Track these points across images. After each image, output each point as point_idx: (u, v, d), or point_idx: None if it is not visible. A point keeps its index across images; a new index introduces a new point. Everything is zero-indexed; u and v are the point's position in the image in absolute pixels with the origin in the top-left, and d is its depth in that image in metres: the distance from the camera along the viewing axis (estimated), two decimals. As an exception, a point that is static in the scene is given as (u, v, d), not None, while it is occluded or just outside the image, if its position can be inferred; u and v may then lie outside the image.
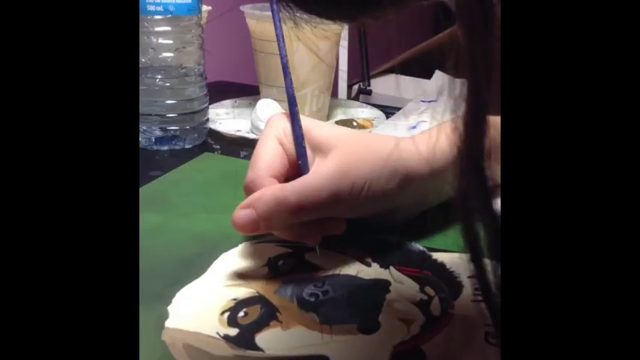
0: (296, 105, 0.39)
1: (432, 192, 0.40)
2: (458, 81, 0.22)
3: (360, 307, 0.33)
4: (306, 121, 0.39)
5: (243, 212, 0.35)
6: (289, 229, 0.37)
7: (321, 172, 0.37)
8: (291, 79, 0.40)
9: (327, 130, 0.39)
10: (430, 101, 0.74)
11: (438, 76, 0.86)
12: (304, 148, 0.38)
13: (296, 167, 0.38)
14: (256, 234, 0.37)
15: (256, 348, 0.30)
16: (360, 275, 0.36)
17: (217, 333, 0.31)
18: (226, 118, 0.67)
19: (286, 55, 0.40)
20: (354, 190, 0.36)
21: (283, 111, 0.61)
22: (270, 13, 0.64)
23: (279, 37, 0.39)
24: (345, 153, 0.37)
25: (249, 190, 0.37)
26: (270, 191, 0.35)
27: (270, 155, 0.38)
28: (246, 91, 0.75)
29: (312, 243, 0.37)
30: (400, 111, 0.70)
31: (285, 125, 0.39)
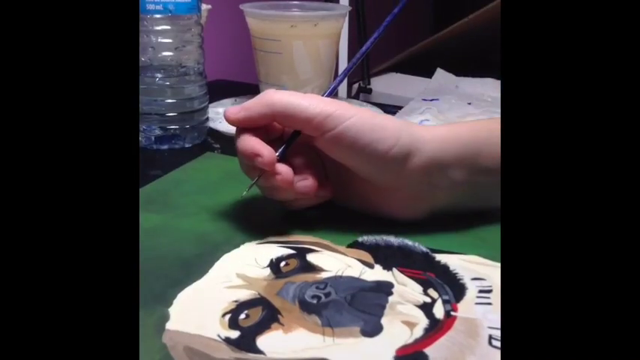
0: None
1: (436, 183, 0.39)
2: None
3: (362, 310, 0.32)
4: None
5: (234, 108, 0.40)
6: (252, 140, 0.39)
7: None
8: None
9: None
10: (432, 99, 0.73)
11: (439, 74, 0.86)
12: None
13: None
14: (243, 126, 0.39)
15: (257, 351, 0.30)
16: (362, 277, 0.35)
17: (218, 335, 0.31)
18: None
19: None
20: (346, 129, 0.37)
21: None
22: (270, 12, 0.64)
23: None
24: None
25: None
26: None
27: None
28: (246, 90, 0.75)
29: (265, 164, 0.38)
30: (402, 109, 0.70)
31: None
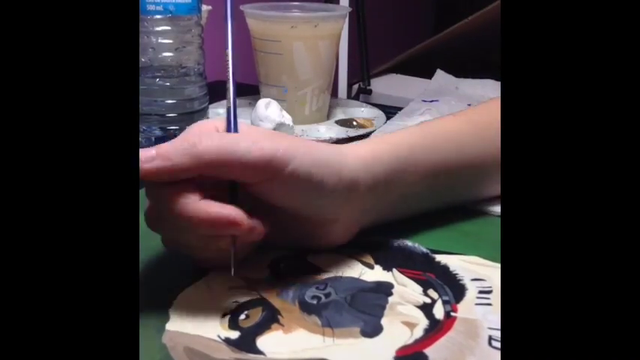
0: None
1: (372, 204, 0.38)
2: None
3: (362, 310, 0.32)
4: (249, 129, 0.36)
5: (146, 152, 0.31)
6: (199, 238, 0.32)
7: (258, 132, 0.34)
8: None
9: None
10: (432, 100, 0.73)
11: (440, 75, 0.86)
12: (235, 103, 0.35)
13: None
14: (161, 180, 0.32)
15: (257, 351, 0.30)
16: (362, 277, 0.35)
17: (218, 336, 0.31)
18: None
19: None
20: (278, 156, 0.32)
21: (283, 111, 0.60)
22: (270, 13, 0.64)
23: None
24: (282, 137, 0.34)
25: None
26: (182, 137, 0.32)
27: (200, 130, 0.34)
28: (246, 91, 0.75)
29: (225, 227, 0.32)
30: (402, 111, 0.70)
31: (218, 124, 0.36)
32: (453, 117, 0.44)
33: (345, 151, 0.37)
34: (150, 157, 0.31)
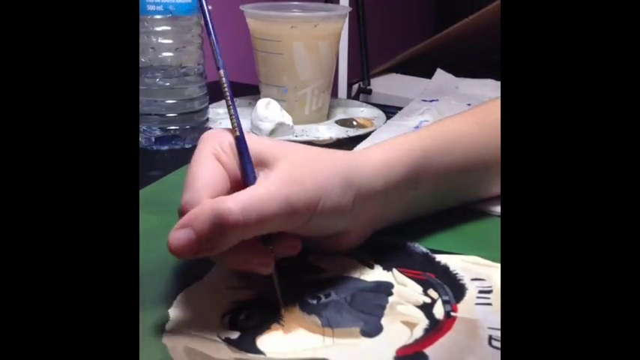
0: (235, 109, 0.35)
1: (385, 210, 0.38)
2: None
3: (362, 310, 0.32)
4: (246, 136, 0.34)
5: (179, 233, 0.29)
6: (236, 256, 0.32)
7: (268, 181, 0.32)
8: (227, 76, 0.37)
9: (269, 142, 0.35)
10: (432, 100, 0.73)
11: (440, 74, 0.86)
12: (249, 155, 0.33)
13: (239, 186, 0.33)
14: (199, 257, 0.30)
15: (257, 351, 0.30)
16: (362, 277, 0.35)
17: (218, 336, 0.31)
18: (226, 118, 0.66)
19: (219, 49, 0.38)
20: (310, 200, 0.32)
21: (283, 111, 0.60)
22: (270, 13, 0.64)
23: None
24: (294, 162, 0.33)
25: (184, 213, 0.31)
26: (208, 205, 0.30)
27: (208, 172, 0.32)
28: (246, 91, 0.75)
29: (265, 271, 0.32)
30: (402, 111, 0.70)
31: (221, 139, 0.34)
32: (460, 118, 0.44)
33: (360, 162, 0.36)
34: (184, 236, 0.30)
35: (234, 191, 0.32)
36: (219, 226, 0.29)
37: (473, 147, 0.41)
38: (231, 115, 0.35)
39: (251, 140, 0.34)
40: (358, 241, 0.38)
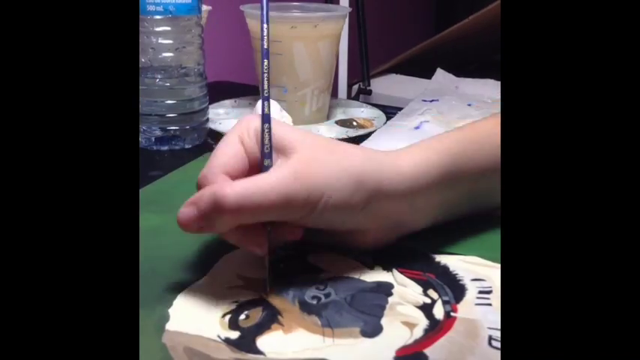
0: (268, 100, 0.37)
1: (410, 214, 0.38)
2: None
3: (362, 310, 0.32)
4: (274, 123, 0.36)
5: (186, 209, 0.33)
6: (235, 232, 0.34)
7: (275, 172, 0.33)
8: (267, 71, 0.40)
9: (292, 132, 0.36)
10: (432, 100, 0.73)
11: (440, 74, 0.86)
12: (267, 144, 0.35)
13: (257, 169, 0.35)
14: (203, 232, 0.34)
15: (257, 351, 0.30)
16: (362, 278, 0.35)
17: (218, 336, 0.31)
18: (226, 118, 0.66)
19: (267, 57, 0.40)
20: (311, 197, 0.33)
21: (283, 111, 0.60)
22: (270, 13, 0.64)
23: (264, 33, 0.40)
24: (305, 157, 0.34)
25: (200, 187, 0.34)
26: (213, 187, 0.32)
27: (227, 152, 0.35)
28: (246, 91, 0.75)
29: (258, 251, 0.34)
30: (402, 111, 0.70)
31: (251, 125, 0.36)
32: (485, 122, 0.42)
33: (384, 162, 0.36)
34: (191, 213, 0.33)
35: (253, 174, 0.34)
36: (216, 209, 0.31)
37: (498, 149, 0.40)
38: (262, 104, 0.37)
39: (277, 127, 0.35)
40: (376, 243, 0.38)
